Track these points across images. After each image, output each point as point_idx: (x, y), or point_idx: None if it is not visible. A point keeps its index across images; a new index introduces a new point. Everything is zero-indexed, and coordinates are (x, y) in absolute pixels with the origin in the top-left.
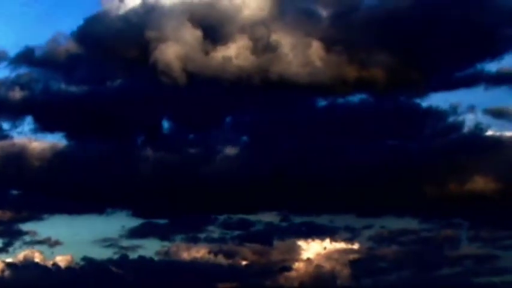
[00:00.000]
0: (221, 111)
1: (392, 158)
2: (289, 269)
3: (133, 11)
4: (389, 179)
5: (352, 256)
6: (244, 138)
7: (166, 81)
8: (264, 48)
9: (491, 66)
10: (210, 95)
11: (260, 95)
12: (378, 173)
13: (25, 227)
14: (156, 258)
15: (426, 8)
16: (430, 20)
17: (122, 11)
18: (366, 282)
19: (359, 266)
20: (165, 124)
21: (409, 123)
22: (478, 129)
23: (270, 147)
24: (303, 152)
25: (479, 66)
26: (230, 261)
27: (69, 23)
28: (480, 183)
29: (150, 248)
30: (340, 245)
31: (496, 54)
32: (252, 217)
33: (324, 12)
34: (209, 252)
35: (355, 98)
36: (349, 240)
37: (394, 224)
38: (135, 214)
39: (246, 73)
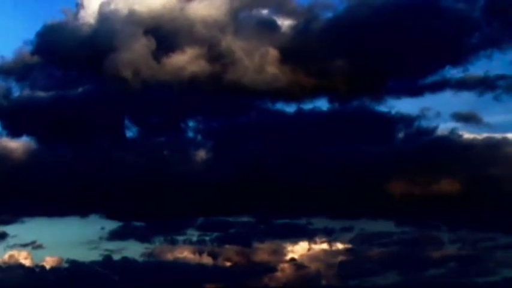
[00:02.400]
0: (183, 115)
1: (364, 162)
2: (274, 269)
3: (90, 21)
4: (361, 182)
5: (335, 257)
6: (210, 142)
7: (120, 88)
8: (218, 56)
9: (457, 73)
10: (168, 100)
11: (221, 100)
12: (351, 176)
13: (7, 229)
14: (140, 259)
15: (391, 17)
16: (394, 28)
17: (80, 21)
18: (350, 282)
19: (343, 267)
20: (130, 128)
21: (379, 129)
22: (453, 133)
23: (238, 151)
24: (272, 156)
25: (446, 72)
26: (215, 262)
27: (30, 32)
28: (450, 185)
29: (132, 249)
30: (324, 246)
31: (461, 61)
32: (230, 219)
33: (283, 22)
34: (193, 254)
35: (318, 104)
36: (330, 242)
37: (369, 226)
38: (110, 217)
39: (200, 79)
